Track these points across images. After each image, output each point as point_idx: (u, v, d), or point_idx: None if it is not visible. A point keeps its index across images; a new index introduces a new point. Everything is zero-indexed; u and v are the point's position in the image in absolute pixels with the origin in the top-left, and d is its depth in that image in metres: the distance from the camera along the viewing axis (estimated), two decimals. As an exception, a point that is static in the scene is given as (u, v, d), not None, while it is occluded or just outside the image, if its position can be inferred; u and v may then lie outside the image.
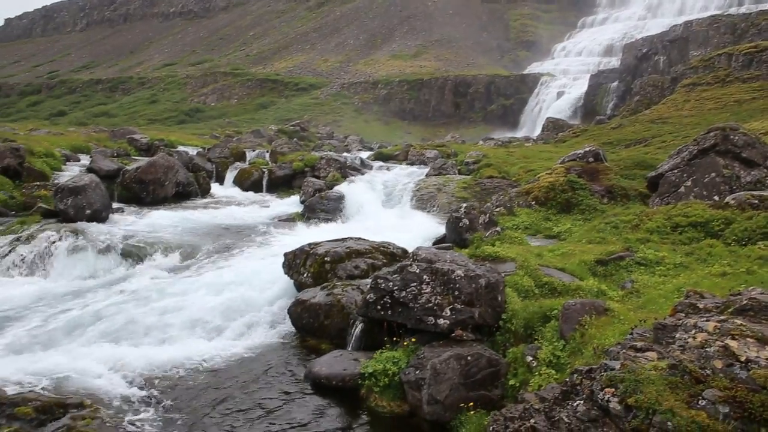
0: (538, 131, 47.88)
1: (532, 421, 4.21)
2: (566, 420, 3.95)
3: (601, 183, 13.59)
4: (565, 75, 66.60)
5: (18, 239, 11.80)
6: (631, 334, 4.56)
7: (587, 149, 15.17)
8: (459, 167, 21.47)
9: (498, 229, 10.74)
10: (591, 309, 5.72)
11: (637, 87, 43.12)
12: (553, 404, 4.21)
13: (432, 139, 47.10)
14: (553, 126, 43.89)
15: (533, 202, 13.42)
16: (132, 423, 5.44)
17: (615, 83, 53.19)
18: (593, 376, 4.01)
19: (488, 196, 15.89)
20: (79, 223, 12.76)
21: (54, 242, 11.60)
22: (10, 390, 5.66)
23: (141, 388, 6.05)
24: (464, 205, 11.43)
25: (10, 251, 11.46)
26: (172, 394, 5.97)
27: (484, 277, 6.46)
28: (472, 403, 5.38)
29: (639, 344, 4.20)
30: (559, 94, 59.47)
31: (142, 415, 5.58)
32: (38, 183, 16.41)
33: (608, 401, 3.69)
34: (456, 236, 10.70)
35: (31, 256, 11.26)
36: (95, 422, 5.33)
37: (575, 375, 4.19)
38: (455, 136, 52.38)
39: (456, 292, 6.32)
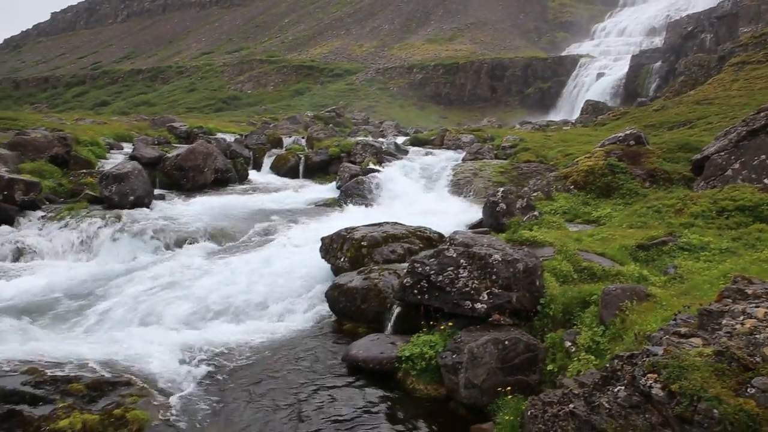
0: (576, 114, 46.81)
1: (571, 405, 4.17)
2: (606, 405, 3.90)
3: (643, 166, 13.24)
4: (606, 56, 64.77)
5: (67, 225, 12.26)
6: (675, 320, 4.46)
7: (628, 132, 14.77)
8: (495, 152, 21.19)
9: (536, 213, 10.61)
10: (632, 294, 5.62)
11: (681, 67, 41.60)
12: (593, 389, 4.16)
13: (468, 124, 46.61)
14: (593, 109, 42.83)
15: (572, 187, 13.18)
16: (177, 401, 5.61)
17: (658, 63, 51.43)
18: (635, 361, 3.95)
19: (525, 180, 15.67)
20: (123, 209, 13.16)
21: (100, 227, 12.02)
22: (64, 368, 5.91)
23: (184, 369, 6.23)
24: (501, 189, 11.32)
25: (59, 236, 11.93)
26: (214, 374, 6.14)
27: (521, 261, 6.40)
28: (509, 388, 5.36)
29: (683, 330, 4.10)
30: (599, 76, 57.91)
31: (185, 394, 5.75)
32: (84, 171, 16.93)
33: (650, 387, 3.63)
34: (493, 221, 10.62)
35: (80, 241, 11.71)
36: (142, 400, 5.53)
37: (616, 360, 4.13)
38: (491, 121, 51.65)
39: (493, 277, 6.28)
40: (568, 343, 5.73)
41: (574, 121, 41.63)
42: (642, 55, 54.91)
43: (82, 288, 9.32)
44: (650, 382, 3.65)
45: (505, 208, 10.56)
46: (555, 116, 53.82)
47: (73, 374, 5.77)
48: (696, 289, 6.01)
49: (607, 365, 4.23)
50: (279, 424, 5.25)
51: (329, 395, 5.81)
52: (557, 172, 14.50)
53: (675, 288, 6.28)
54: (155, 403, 5.52)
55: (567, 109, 56.59)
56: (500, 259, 6.39)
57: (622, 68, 55.16)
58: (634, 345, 4.70)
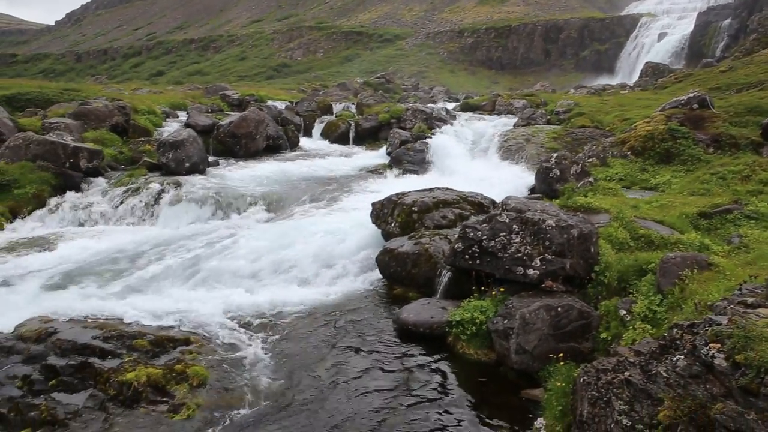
0: (635, 78, 44.78)
1: (626, 373, 4.09)
2: (664, 374, 3.81)
3: (707, 131, 12.58)
4: (668, 14, 61.36)
5: (128, 191, 12.76)
6: (740, 289, 4.27)
7: (691, 95, 14.03)
8: (549, 117, 20.56)
9: (590, 179, 10.30)
10: (693, 263, 5.42)
11: (754, 24, 38.89)
12: (650, 358, 4.06)
13: (520, 89, 45.38)
14: (653, 71, 40.80)
15: (629, 153, 12.70)
16: (233, 359, 5.83)
17: (727, 21, 48.30)
18: (696, 331, 3.82)
19: (580, 146, 15.17)
20: (179, 175, 13.57)
21: (158, 193, 12.45)
22: (129, 325, 6.23)
23: (240, 329, 6.46)
24: (555, 155, 11.03)
25: (122, 202, 12.43)
26: (268, 335, 6.34)
27: (576, 227, 6.26)
28: (561, 355, 5.31)
29: (750, 300, 3.93)
30: (661, 36, 54.99)
31: (241, 353, 5.97)
32: (143, 138, 17.49)
33: (713, 357, 3.51)
34: (546, 187, 10.39)
35: (140, 206, 12.17)
36: (200, 357, 5.78)
37: (675, 329, 4.01)
38: (545, 85, 50.08)
39: (546, 243, 6.18)
40: (622, 312, 5.61)
41: (632, 85, 39.84)
42: (710, 12, 51.71)
43: (143, 251, 9.73)
44: (713, 352, 3.53)
45: (558, 174, 10.30)
46: (612, 80, 51.64)
47: (137, 331, 6.08)
48: (763, 259, 5.74)
49: (666, 334, 4.11)
50: (330, 384, 5.39)
51: (380, 358, 5.91)
52: (613, 137, 13.97)
53: (739, 257, 6.01)
54: (213, 360, 5.76)
55: (625, 72, 54.21)
56: (554, 225, 6.26)
57: (686, 27, 52.17)
58: (694, 315, 4.55)
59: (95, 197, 12.65)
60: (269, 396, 5.21)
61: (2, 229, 11.23)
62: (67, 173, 13.23)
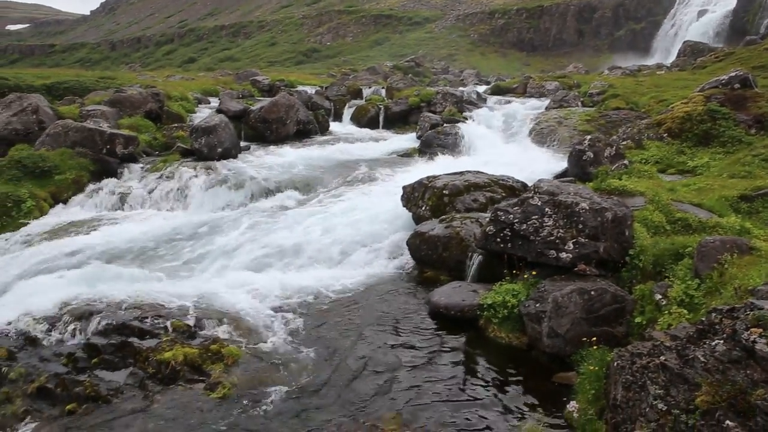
0: (672, 58, 43.40)
1: (662, 358, 4.03)
2: (702, 359, 3.74)
3: (749, 111, 12.16)
4: (709, -9, 59.05)
5: (162, 176, 13.01)
6: (783, 273, 4.16)
7: (733, 74, 13.55)
8: (582, 99, 20.15)
9: (625, 162, 10.09)
10: (732, 247, 5.28)
11: (800, -1, 37.26)
12: (687, 343, 3.99)
13: (552, 71, 44.50)
14: (691, 50, 39.45)
15: (665, 135, 12.38)
16: (265, 340, 5.95)
17: (772, -4, 46.33)
18: (736, 315, 3.73)
19: (614, 129, 14.85)
20: (212, 160, 13.77)
21: (192, 178, 12.67)
22: (165, 306, 6.40)
23: (273, 310, 6.56)
24: (588, 137, 10.82)
25: (156, 187, 12.70)
26: (300, 317, 6.43)
27: (610, 210, 6.15)
28: (594, 339, 5.25)
29: (792, 283, 3.82)
30: (701, 14, 53.03)
31: (274, 334, 6.08)
32: (176, 125, 17.78)
33: (754, 342, 3.43)
34: (578, 170, 10.22)
35: (174, 191, 12.41)
36: (235, 338, 5.91)
37: (714, 314, 3.92)
38: (578, 67, 48.95)
39: (580, 226, 6.09)
40: (658, 296, 5.51)
41: (669, 65, 38.63)
42: (753, -12, 49.57)
43: (177, 234, 9.94)
44: (754, 337, 3.44)
45: (592, 156, 10.11)
46: (648, 60, 50.14)
47: (174, 312, 6.24)
48: (808, 244, 5.55)
49: (704, 318, 4.03)
50: (362, 364, 5.46)
51: (411, 340, 5.94)
52: (649, 119, 13.63)
53: (783, 241, 5.83)
54: (246, 340, 5.88)
55: (662, 52, 52.59)
56: (587, 208, 6.16)
57: (728, 3, 50.14)
58: (733, 299, 4.44)
59: (131, 182, 12.95)
60: (301, 376, 5.30)
61: (45, 214, 11.61)
62: (104, 159, 13.56)
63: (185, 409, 4.83)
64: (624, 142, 12.25)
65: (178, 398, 4.97)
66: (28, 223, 11.06)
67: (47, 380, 5.14)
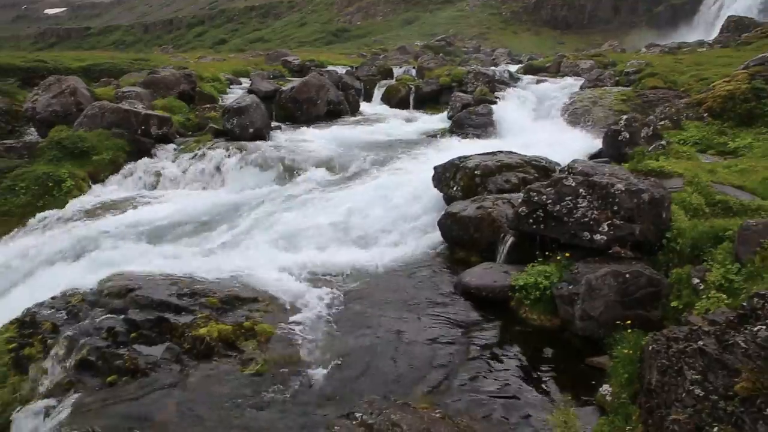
0: (714, 34, 41.78)
1: (700, 342, 3.95)
2: (743, 345, 3.65)
3: (797, 90, 11.67)
4: (756, -37, 56.49)
5: (195, 156, 13.21)
6: (830, 257, 4.01)
7: (780, 50, 13.00)
8: (617, 78, 19.62)
9: (662, 143, 9.82)
10: (776, 230, 5.11)
11: None
12: (727, 328, 3.90)
13: (587, 49, 43.37)
14: (736, 26, 37.89)
15: (705, 114, 11.99)
16: (298, 318, 6.01)
17: (824, -32, 44.11)
18: (779, 299, 3.63)
19: (651, 108, 14.44)
20: (244, 140, 13.91)
21: (224, 158, 12.83)
22: (200, 283, 6.53)
23: (305, 289, 6.62)
24: (624, 117, 10.55)
25: (189, 167, 12.91)
26: (331, 295, 6.48)
27: (647, 191, 6.01)
28: (628, 322, 5.18)
29: (840, 268, 3.68)
30: (746, -13, 50.91)
31: (306, 312, 6.14)
32: (208, 105, 17.98)
33: (797, 327, 3.33)
34: (614, 151, 10.00)
35: (207, 171, 12.61)
36: (268, 315, 5.99)
37: (756, 299, 3.82)
38: (614, 45, 47.65)
39: (615, 207, 5.98)
40: (695, 280, 5.39)
41: (711, 42, 37.24)
42: (803, -41, 47.32)
43: (211, 213, 10.12)
44: (797, 321, 3.35)
45: (628, 137, 9.87)
46: (688, 37, 48.40)
47: (208, 289, 6.36)
48: None
49: (745, 303, 3.93)
50: (393, 345, 5.49)
51: (442, 320, 5.95)
52: (688, 98, 13.22)
53: (831, 225, 5.61)
54: (279, 318, 5.96)
55: (703, 28, 50.72)
56: (623, 189, 6.04)
57: (776, -24, 48.04)
58: (776, 284, 4.32)
59: (165, 162, 13.19)
60: (333, 354, 5.37)
61: (84, 193, 11.94)
62: (139, 140, 13.82)
63: (219, 383, 4.94)
64: (661, 122, 11.91)
65: (212, 373, 5.09)
66: (68, 202, 11.40)
67: (89, 353, 5.32)
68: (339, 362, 5.23)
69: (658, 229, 6.01)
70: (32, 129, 15.50)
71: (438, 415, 4.03)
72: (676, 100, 13.69)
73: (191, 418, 4.51)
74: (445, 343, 5.49)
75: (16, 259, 9.03)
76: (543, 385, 4.87)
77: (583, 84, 19.04)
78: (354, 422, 3.91)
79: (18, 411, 4.97)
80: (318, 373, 5.05)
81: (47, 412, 4.82)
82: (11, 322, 5.96)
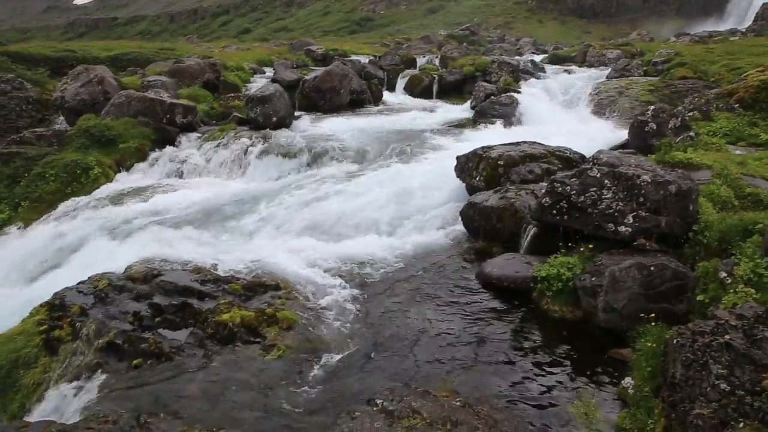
0: (748, 22, 40.72)
1: (726, 337, 3.88)
2: (770, 339, 3.59)
3: (834, 80, 11.30)
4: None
5: (219, 145, 13.33)
6: None
7: (817, 39, 12.59)
8: (645, 68, 19.26)
9: (691, 134, 9.61)
10: (808, 224, 4.99)
11: None
12: (755, 322, 3.83)
13: (614, 39, 42.54)
14: (770, 14, 36.86)
15: (736, 105, 11.67)
16: (319, 306, 6.07)
17: None
18: (809, 294, 3.55)
19: (679, 99, 14.14)
20: (267, 129, 13.99)
21: (248, 147, 12.92)
22: (223, 270, 6.62)
23: (326, 277, 6.67)
24: (652, 107, 10.36)
25: (213, 155, 13.03)
26: (353, 284, 6.53)
27: (674, 183, 5.90)
28: (652, 315, 5.11)
29: None
30: (782, -26, 49.29)
31: (327, 300, 6.19)
32: (232, 94, 18.11)
33: (828, 322, 3.26)
34: (640, 142, 9.83)
35: (231, 160, 12.72)
36: (289, 302, 6.06)
37: (785, 292, 3.75)
38: (642, 34, 46.63)
39: (641, 199, 5.88)
40: (723, 274, 5.29)
41: (744, 30, 36.28)
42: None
43: (234, 201, 10.23)
44: (828, 316, 3.27)
45: (655, 128, 9.69)
46: (720, 25, 47.22)
47: (231, 275, 6.46)
48: None
49: (773, 297, 3.85)
50: (413, 333, 5.51)
51: (462, 309, 5.95)
52: (719, 89, 12.88)
53: None
54: (300, 305, 6.03)
55: (736, 16, 49.43)
56: (649, 181, 5.93)
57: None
58: (806, 278, 4.22)
59: (190, 151, 13.33)
60: (354, 341, 5.41)
61: (111, 180, 12.15)
62: (164, 128, 13.99)
63: (242, 368, 5.02)
64: (690, 113, 11.65)
65: (235, 358, 5.17)
66: (95, 189, 11.62)
67: (116, 336, 5.44)
68: (360, 349, 5.27)
69: (685, 221, 5.90)
70: (61, 117, 15.81)
71: (458, 403, 4.03)
72: (706, 91, 13.38)
73: (215, 401, 4.59)
74: (466, 333, 5.48)
75: (46, 243, 9.25)
76: (564, 377, 4.84)
77: (610, 74, 18.73)
78: (375, 408, 3.93)
79: (49, 390, 5.12)
80: (339, 360, 5.09)
81: (76, 393, 4.96)
82: (42, 305, 6.13)
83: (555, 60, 25.35)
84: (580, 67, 22.64)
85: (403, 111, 17.42)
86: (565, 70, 21.23)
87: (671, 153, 8.19)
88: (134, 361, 5.16)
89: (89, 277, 6.47)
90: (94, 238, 8.92)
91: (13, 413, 5.20)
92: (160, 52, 25.45)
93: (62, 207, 10.93)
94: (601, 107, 15.11)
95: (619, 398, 4.53)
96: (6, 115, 15.83)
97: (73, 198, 11.24)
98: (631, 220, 5.87)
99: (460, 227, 7.89)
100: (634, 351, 4.89)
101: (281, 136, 13.39)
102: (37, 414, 4.91)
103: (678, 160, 7.68)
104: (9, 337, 5.86)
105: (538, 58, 26.24)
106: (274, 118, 14.37)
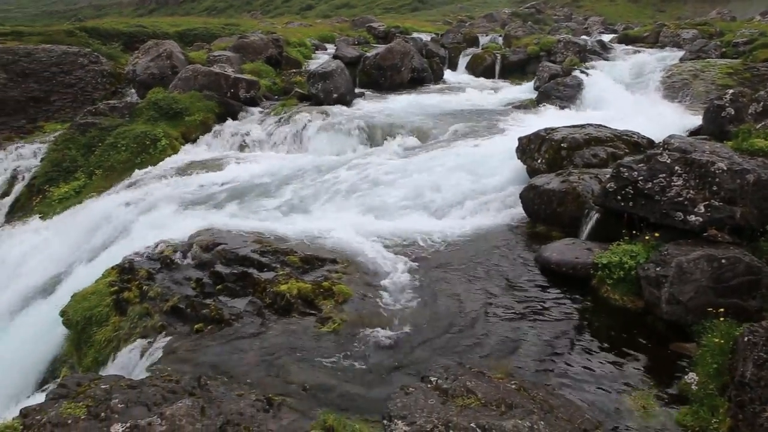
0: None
1: (803, 336, 3.67)
2: None
3: None
4: None
5: (280, 120, 13.55)
6: None
7: None
8: (724, 49, 18.15)
9: (773, 121, 9.02)
10: None
11: None
12: (835, 321, 3.60)
13: (691, 17, 40.23)
14: None
15: (827, 91, 10.85)
16: (375, 282, 6.11)
17: None
18: None
19: (761, 83, 13.28)
20: (327, 105, 14.09)
21: (309, 122, 13.07)
22: (282, 242, 6.77)
23: (383, 254, 6.69)
24: (730, 91, 9.76)
25: (275, 130, 13.27)
26: (409, 262, 6.52)
27: (753, 172, 5.57)
28: (721, 310, 4.88)
29: None
30: None
31: (383, 276, 6.22)
32: (294, 70, 18.33)
33: None
34: (715, 128, 9.29)
35: (292, 135, 12.91)
36: (345, 277, 6.13)
37: None
38: (722, 12, 43.85)
39: (714, 188, 5.59)
40: (802, 271, 4.99)
41: (838, 10, 33.51)
42: None
43: (294, 175, 10.40)
44: None
45: (733, 113, 9.13)
46: (812, 4, 43.77)
47: (289, 248, 6.58)
48: None
49: None
50: (468, 313, 5.48)
51: (519, 294, 5.86)
52: (809, 72, 12.02)
53: None
54: (357, 280, 6.09)
55: (831, -5, 45.61)
56: (725, 169, 5.63)
57: None
58: None
59: (252, 125, 13.62)
60: (407, 319, 5.43)
61: (177, 152, 12.60)
62: (228, 102, 14.34)
63: (298, 338, 5.14)
64: (773, 98, 10.92)
65: (291, 328, 5.30)
66: (162, 159, 12.08)
67: (179, 301, 5.69)
68: (414, 327, 5.29)
69: (763, 213, 5.58)
70: (132, 90, 16.47)
71: (513, 386, 4.00)
72: (793, 75, 12.51)
73: (270, 368, 4.73)
74: (522, 316, 5.41)
75: (118, 210, 9.72)
76: (622, 367, 4.71)
77: (684, 56, 17.80)
78: (429, 385, 3.95)
79: (119, 348, 5.43)
80: (393, 336, 5.13)
81: (142, 352, 5.23)
82: (113, 268, 6.47)
83: (625, 40, 24.27)
84: (652, 47, 21.59)
85: (464, 90, 17.15)
86: (636, 51, 20.30)
87: (750, 140, 7.68)
88: (196, 326, 5.38)
89: (156, 243, 6.76)
90: (162, 206, 9.30)
91: (87, 366, 5.56)
92: (225, 27, 25.98)
93: (132, 176, 11.45)
94: (673, 91, 14.39)
95: (680, 394, 4.38)
96: (83, 87, 16.64)
97: (142, 168, 11.73)
98: (703, 210, 5.59)
99: (519, 210, 7.75)
100: (698, 346, 4.70)
101: (341, 112, 13.47)
102: (109, 369, 5.22)
103: (758, 148, 7.19)
104: (84, 296, 6.24)
105: (606, 38, 25.19)
106: (335, 95, 14.45)
